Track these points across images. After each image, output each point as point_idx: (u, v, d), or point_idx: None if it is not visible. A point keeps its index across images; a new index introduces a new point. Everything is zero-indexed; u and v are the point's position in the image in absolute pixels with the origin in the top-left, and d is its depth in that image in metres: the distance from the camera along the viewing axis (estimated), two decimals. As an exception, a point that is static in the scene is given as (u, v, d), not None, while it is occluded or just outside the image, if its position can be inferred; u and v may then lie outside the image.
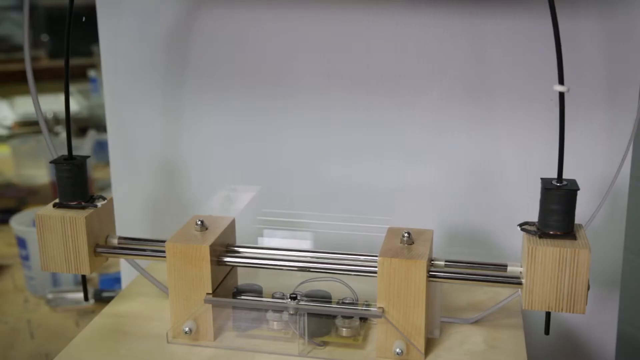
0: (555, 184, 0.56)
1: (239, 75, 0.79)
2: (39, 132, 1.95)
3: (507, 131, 0.75)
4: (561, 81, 0.54)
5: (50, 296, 1.19)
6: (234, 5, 0.77)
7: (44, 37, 2.73)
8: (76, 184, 0.64)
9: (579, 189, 0.55)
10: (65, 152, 0.65)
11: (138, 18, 0.80)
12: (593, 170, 0.73)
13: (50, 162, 0.65)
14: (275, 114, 0.80)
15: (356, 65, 0.76)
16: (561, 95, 0.54)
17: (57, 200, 0.65)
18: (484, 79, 0.74)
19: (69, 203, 0.64)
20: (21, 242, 1.23)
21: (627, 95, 0.71)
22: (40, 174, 1.68)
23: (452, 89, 0.75)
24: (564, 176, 0.56)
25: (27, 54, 0.67)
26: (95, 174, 1.67)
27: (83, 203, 0.64)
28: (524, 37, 0.71)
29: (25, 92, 2.20)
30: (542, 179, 0.57)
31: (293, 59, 0.78)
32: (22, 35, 0.68)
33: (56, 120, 1.91)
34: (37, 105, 0.68)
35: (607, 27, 0.69)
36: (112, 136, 0.85)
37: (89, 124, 1.95)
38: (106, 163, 0.95)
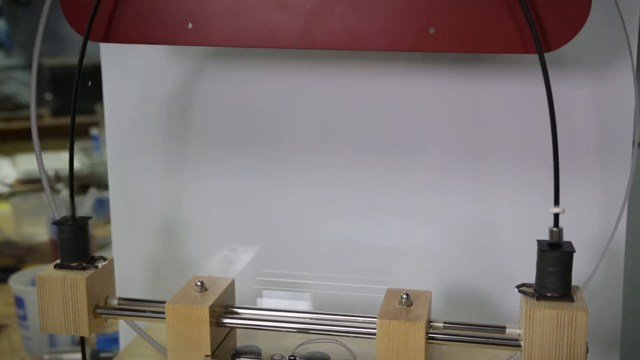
0: (551, 246, 0.56)
1: (240, 136, 0.81)
2: (40, 189, 1.97)
3: (503, 191, 0.76)
4: (555, 148, 0.55)
5: (47, 357, 1.17)
6: (235, 67, 0.79)
7: (48, 96, 2.78)
8: (77, 245, 0.65)
9: (574, 251, 0.56)
10: (66, 210, 0.66)
11: (142, 78, 0.82)
12: (589, 229, 0.74)
13: (53, 224, 0.66)
14: (276, 173, 0.81)
15: (355, 125, 0.78)
16: (555, 158, 0.55)
17: (58, 261, 0.65)
18: (480, 140, 0.75)
19: (70, 264, 0.64)
20: (19, 302, 1.23)
21: (620, 155, 0.72)
22: (40, 232, 1.68)
23: (449, 150, 0.76)
24: (560, 237, 0.57)
25: (33, 115, 0.69)
26: (95, 231, 1.67)
27: (84, 264, 0.65)
28: (519, 100, 0.73)
29: (28, 149, 2.20)
30: (538, 240, 0.57)
31: (293, 120, 0.79)
32: (30, 95, 0.70)
33: (57, 177, 1.92)
34: (40, 163, 0.69)
35: (597, 91, 0.71)
36: (114, 194, 0.86)
37: (90, 182, 1.96)
38: (106, 221, 0.95)
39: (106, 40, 0.67)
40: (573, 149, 0.72)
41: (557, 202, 0.56)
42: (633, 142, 0.71)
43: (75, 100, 0.64)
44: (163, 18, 0.66)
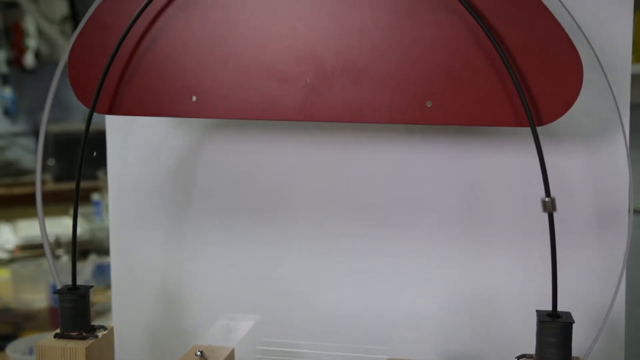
0: (550, 317, 0.57)
1: (241, 204, 0.82)
2: (40, 255, 1.97)
3: (502, 261, 0.76)
4: (551, 215, 0.56)
5: None
6: (237, 137, 0.81)
7: (50, 161, 2.81)
8: (78, 314, 0.65)
9: (574, 322, 0.56)
10: (66, 276, 0.66)
11: (146, 147, 0.84)
12: (589, 298, 0.74)
13: (54, 293, 0.66)
14: (276, 242, 0.82)
15: (354, 195, 0.79)
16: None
17: (58, 331, 0.65)
18: (479, 210, 0.76)
19: (70, 333, 0.64)
20: (16, 370, 1.21)
21: (616, 224, 0.73)
22: (39, 299, 1.67)
23: (448, 220, 0.77)
24: (560, 306, 0.57)
25: (38, 182, 0.70)
26: (94, 297, 1.66)
27: (84, 333, 0.65)
28: (516, 171, 0.74)
29: (29, 215, 2.20)
30: (537, 311, 0.58)
31: (293, 189, 0.80)
32: (34, 161, 0.72)
33: (58, 243, 1.93)
34: (43, 231, 0.70)
35: (592, 160, 0.72)
36: (115, 261, 0.87)
37: (90, 247, 1.96)
38: (106, 287, 0.96)
39: (111, 112, 0.69)
40: (570, 219, 0.73)
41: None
42: (629, 210, 0.72)
43: (80, 174, 0.65)
44: (168, 91, 0.68)
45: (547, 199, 0.57)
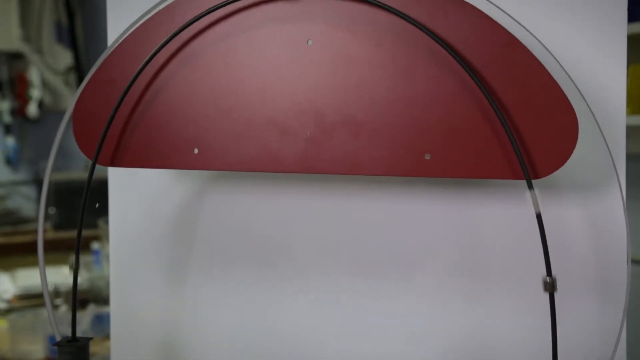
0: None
1: (241, 254, 0.82)
2: (38, 305, 1.95)
3: (500, 311, 0.76)
4: (549, 272, 0.56)
5: None
6: (238, 188, 0.82)
7: (51, 210, 2.81)
8: (77, 367, 0.65)
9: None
10: (64, 326, 0.66)
11: (147, 197, 0.84)
12: (589, 351, 0.73)
13: (54, 345, 0.66)
14: (276, 292, 0.82)
15: (354, 245, 0.79)
16: (551, 288, 0.57)
17: (56, 384, 0.65)
18: (477, 259, 0.76)
19: (69, 386, 0.64)
20: (11, 423, 1.19)
21: (615, 274, 0.73)
22: (36, 349, 1.66)
23: (447, 269, 0.77)
24: (560, 359, 0.57)
25: (40, 232, 0.70)
26: (93, 348, 1.64)
27: (83, 386, 0.64)
28: (515, 221, 0.75)
29: (28, 264, 2.19)
30: (537, 364, 0.57)
31: (293, 239, 0.81)
32: (36, 211, 0.72)
33: (57, 293, 1.92)
34: (44, 281, 0.70)
35: (590, 213, 0.73)
36: (115, 310, 0.87)
37: (89, 297, 1.95)
38: (104, 337, 0.95)
39: (114, 164, 0.70)
40: (568, 270, 0.73)
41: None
42: (627, 261, 0.72)
43: (81, 228, 0.66)
44: (170, 143, 0.69)
45: (548, 279, 0.57)
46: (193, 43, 0.68)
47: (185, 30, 0.67)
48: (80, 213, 0.67)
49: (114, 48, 0.70)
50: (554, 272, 0.58)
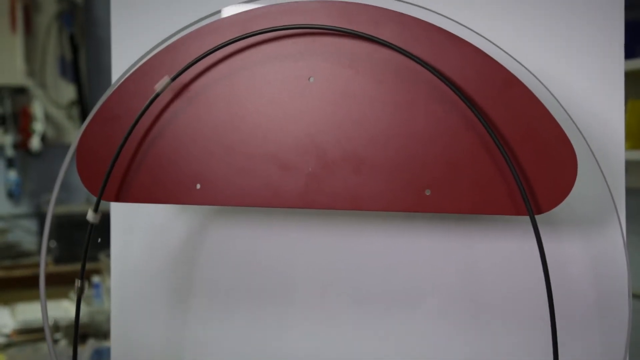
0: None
1: (242, 289, 0.82)
2: (37, 340, 1.94)
3: (502, 347, 0.75)
4: (551, 308, 0.56)
5: None
6: (239, 222, 0.82)
7: (52, 243, 2.80)
8: (78, 403, 0.64)
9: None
10: (64, 361, 0.66)
11: (149, 231, 0.85)
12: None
13: (54, 381, 0.66)
14: (277, 327, 0.81)
15: (355, 280, 0.79)
16: (553, 320, 0.57)
17: (56, 420, 0.64)
18: (479, 295, 0.76)
19: (69, 423, 0.63)
20: None
21: (616, 309, 0.73)
22: (35, 384, 1.64)
23: (447, 304, 0.77)
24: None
25: (42, 265, 0.70)
26: (91, 384, 1.63)
27: (83, 423, 0.64)
28: (515, 257, 0.75)
29: (28, 298, 2.18)
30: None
31: (294, 274, 0.81)
32: (38, 244, 0.72)
33: (56, 327, 1.91)
34: (45, 316, 0.70)
35: (590, 247, 0.73)
36: (115, 346, 0.86)
37: (89, 331, 1.94)
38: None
39: (118, 200, 0.71)
40: (570, 304, 0.73)
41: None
42: (628, 295, 0.72)
43: (84, 265, 0.66)
44: (173, 179, 0.69)
45: None
46: (196, 82, 0.69)
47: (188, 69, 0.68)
48: (83, 251, 0.67)
49: (117, 85, 0.71)
50: (555, 305, 0.58)
